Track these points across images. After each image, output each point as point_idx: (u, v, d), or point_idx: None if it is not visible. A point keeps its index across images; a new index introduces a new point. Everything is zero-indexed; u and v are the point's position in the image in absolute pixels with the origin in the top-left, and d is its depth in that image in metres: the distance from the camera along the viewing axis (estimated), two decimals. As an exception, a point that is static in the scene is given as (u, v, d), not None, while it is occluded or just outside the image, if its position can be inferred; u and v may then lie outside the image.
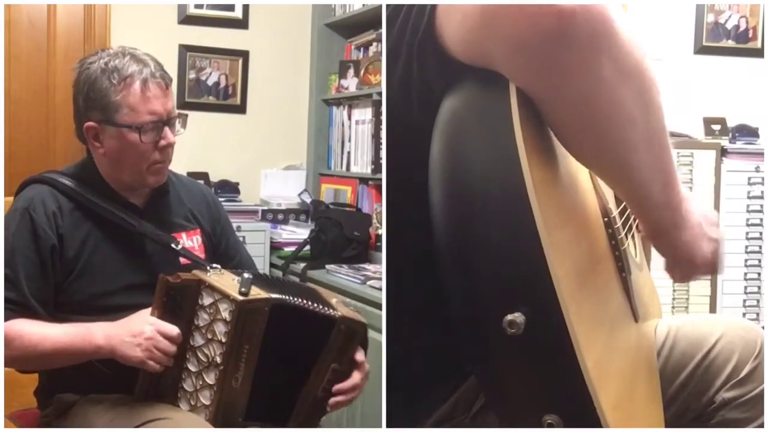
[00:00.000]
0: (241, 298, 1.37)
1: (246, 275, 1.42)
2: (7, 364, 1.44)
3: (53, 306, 1.48)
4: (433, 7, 0.87)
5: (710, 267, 1.05)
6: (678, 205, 0.96)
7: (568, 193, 0.91)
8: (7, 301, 1.42)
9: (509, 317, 0.74)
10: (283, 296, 1.43)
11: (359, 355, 1.52)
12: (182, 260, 1.55)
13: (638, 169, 0.88)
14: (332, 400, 1.49)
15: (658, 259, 1.10)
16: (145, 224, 1.53)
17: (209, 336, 1.38)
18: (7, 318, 1.41)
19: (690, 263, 1.03)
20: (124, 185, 1.54)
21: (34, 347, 1.40)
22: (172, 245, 1.53)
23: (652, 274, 1.38)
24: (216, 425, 1.38)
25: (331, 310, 1.47)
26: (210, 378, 1.39)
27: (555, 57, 0.76)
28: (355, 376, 1.51)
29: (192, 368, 1.40)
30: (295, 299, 1.44)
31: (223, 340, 1.37)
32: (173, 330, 1.37)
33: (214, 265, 1.47)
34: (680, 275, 1.06)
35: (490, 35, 0.78)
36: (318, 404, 1.50)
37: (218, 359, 1.38)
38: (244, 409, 1.42)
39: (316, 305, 1.46)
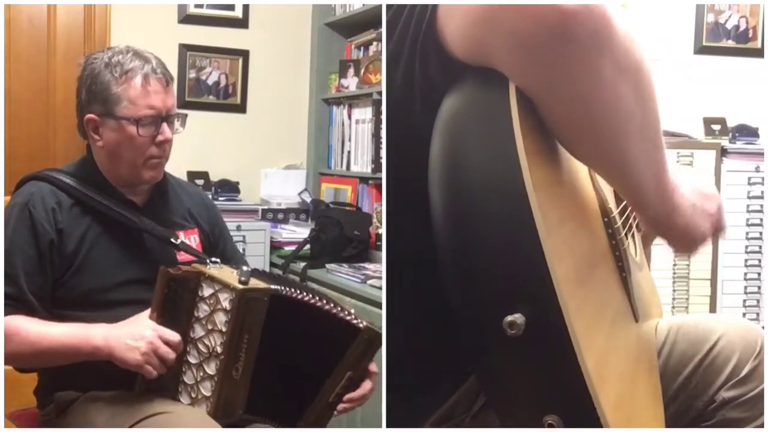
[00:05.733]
0: (241, 286, 1.38)
1: (245, 268, 1.43)
2: (4, 360, 1.44)
3: (51, 301, 1.48)
4: (435, 5, 0.87)
5: (710, 237, 1.09)
6: (671, 195, 0.97)
7: (568, 193, 0.91)
8: (5, 296, 1.43)
9: (509, 318, 0.73)
10: (283, 288, 1.43)
11: (373, 366, 1.52)
12: (181, 258, 1.56)
13: (634, 164, 0.89)
14: (341, 406, 1.50)
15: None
16: (145, 220, 1.54)
17: (209, 327, 1.39)
18: (5, 314, 1.42)
19: (690, 242, 1.06)
20: (122, 181, 1.55)
21: (32, 344, 1.41)
22: (172, 239, 1.54)
23: (652, 274, 1.39)
24: (216, 418, 1.38)
25: (354, 319, 1.46)
26: (210, 368, 1.39)
27: (556, 54, 0.77)
28: (366, 386, 1.51)
29: (192, 360, 1.41)
30: (299, 294, 1.45)
31: (223, 329, 1.38)
32: (174, 336, 1.37)
33: (214, 259, 1.49)
34: (684, 252, 1.09)
35: (491, 32, 0.79)
36: (328, 408, 1.50)
37: (218, 349, 1.38)
38: (245, 402, 1.42)
39: (334, 308, 1.46)
